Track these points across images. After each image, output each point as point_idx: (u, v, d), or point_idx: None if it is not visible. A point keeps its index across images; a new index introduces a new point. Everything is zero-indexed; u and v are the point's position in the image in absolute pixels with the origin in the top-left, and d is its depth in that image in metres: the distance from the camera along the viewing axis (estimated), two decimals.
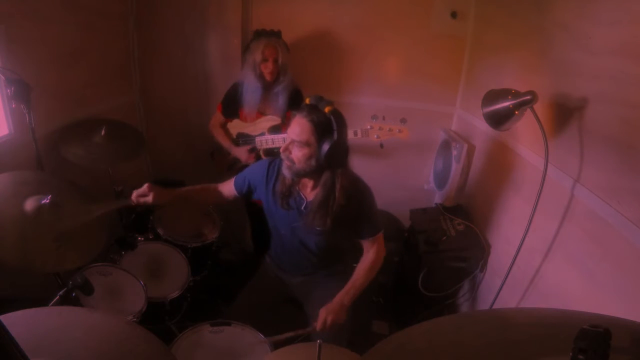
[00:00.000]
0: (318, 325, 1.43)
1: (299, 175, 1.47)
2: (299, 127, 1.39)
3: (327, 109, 1.37)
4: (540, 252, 1.66)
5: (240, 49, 2.50)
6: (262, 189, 1.60)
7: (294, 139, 1.40)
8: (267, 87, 2.17)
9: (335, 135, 1.37)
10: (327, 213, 1.46)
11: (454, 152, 2.37)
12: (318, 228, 1.50)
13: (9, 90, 1.52)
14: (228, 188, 1.69)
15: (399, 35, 2.56)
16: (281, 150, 1.44)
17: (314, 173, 1.45)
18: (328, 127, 1.37)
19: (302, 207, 1.53)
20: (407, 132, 1.92)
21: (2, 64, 1.60)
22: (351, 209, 1.49)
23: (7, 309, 0.78)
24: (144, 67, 2.64)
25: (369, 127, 1.92)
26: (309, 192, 1.53)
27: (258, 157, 2.21)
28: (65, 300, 1.26)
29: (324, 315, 1.43)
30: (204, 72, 2.65)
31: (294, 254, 1.66)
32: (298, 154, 1.40)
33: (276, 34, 2.17)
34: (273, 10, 2.47)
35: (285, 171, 1.46)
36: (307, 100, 1.43)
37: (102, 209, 1.47)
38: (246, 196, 1.67)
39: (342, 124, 1.40)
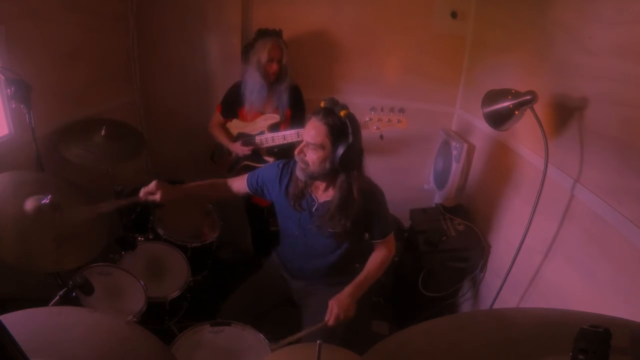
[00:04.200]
0: (330, 319, 1.38)
1: (313, 177, 1.47)
2: (314, 130, 1.39)
3: (342, 113, 1.38)
4: (540, 252, 1.66)
5: (240, 49, 2.50)
6: (274, 189, 1.61)
7: (308, 142, 1.41)
8: (269, 86, 2.17)
9: (351, 139, 1.38)
10: (347, 215, 1.46)
11: (454, 152, 2.37)
12: (331, 230, 1.50)
13: (9, 90, 1.52)
14: (239, 184, 1.70)
15: (399, 35, 2.56)
16: (296, 152, 1.45)
17: (328, 176, 1.46)
18: (343, 130, 1.38)
19: (313, 209, 1.54)
20: (406, 122, 1.92)
21: (2, 64, 1.60)
22: (367, 211, 1.49)
23: (7, 309, 0.78)
24: (144, 67, 2.63)
25: (367, 119, 1.92)
26: (321, 194, 1.54)
27: (255, 150, 2.20)
28: (65, 300, 1.26)
29: (336, 309, 1.39)
30: (204, 72, 2.65)
31: (300, 256, 1.66)
32: (313, 157, 1.41)
33: (278, 34, 2.17)
34: (273, 10, 2.47)
35: (299, 173, 1.47)
36: (322, 104, 1.44)
37: (108, 206, 1.47)
38: (257, 194, 1.68)
39: (357, 127, 1.41)
